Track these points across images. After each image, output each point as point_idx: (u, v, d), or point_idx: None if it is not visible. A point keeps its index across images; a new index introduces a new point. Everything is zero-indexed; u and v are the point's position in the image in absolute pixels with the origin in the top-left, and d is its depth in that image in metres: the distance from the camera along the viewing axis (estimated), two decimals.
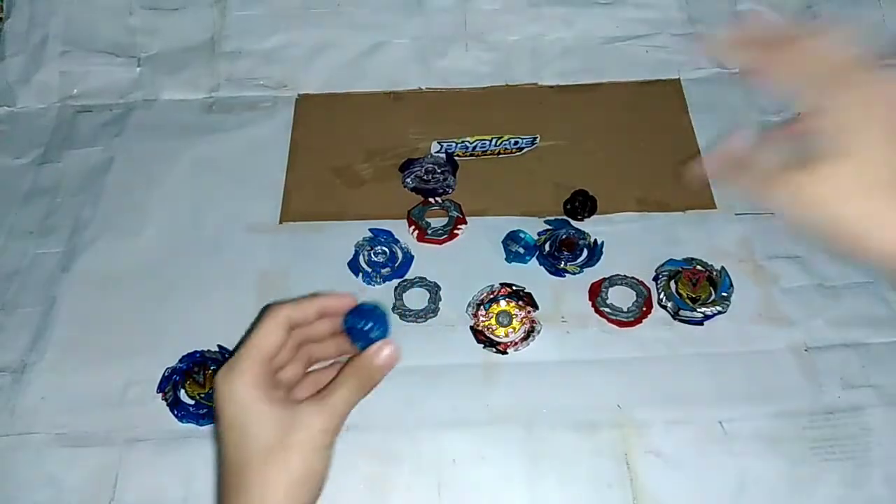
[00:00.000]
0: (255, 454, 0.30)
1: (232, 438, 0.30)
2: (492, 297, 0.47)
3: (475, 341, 0.45)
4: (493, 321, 0.46)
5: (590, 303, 0.47)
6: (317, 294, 0.34)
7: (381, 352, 0.33)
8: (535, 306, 0.46)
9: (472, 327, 0.46)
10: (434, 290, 0.48)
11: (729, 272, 0.47)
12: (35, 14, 0.61)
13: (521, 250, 0.48)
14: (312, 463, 0.30)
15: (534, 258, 0.49)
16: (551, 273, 0.48)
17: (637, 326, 0.46)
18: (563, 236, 0.49)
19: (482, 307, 0.46)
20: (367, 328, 0.33)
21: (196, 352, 0.45)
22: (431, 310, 0.47)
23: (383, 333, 0.34)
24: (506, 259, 0.49)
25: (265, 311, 0.32)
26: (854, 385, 0.43)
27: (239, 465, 0.30)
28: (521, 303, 0.46)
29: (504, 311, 0.46)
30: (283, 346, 0.32)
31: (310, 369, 0.36)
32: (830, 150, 0.27)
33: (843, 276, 0.47)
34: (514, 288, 0.47)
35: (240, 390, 0.30)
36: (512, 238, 0.49)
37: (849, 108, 0.27)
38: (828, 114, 0.27)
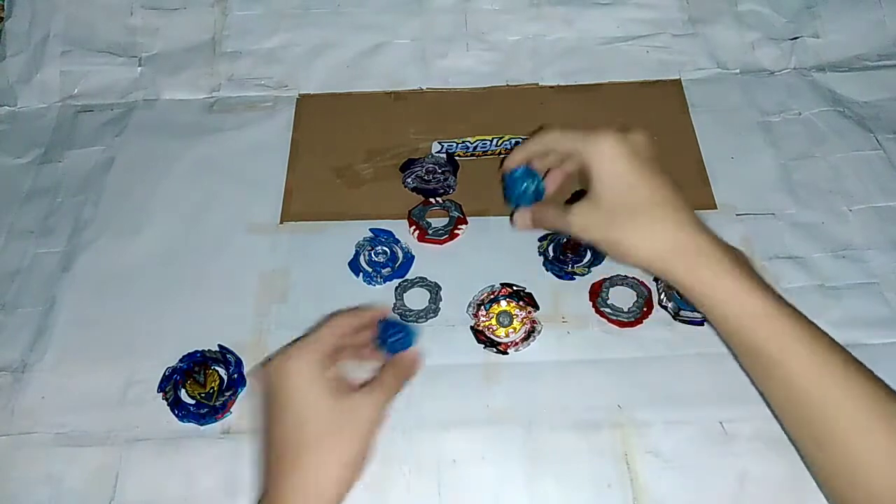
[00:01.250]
0: (312, 438, 0.33)
1: (289, 420, 0.33)
2: (492, 297, 0.47)
3: (475, 341, 0.45)
4: (493, 321, 0.46)
5: (590, 303, 0.47)
6: (364, 307, 0.40)
7: (409, 356, 0.39)
8: (536, 306, 0.46)
9: (472, 327, 0.46)
10: (434, 290, 0.48)
11: None
12: (36, 13, 0.61)
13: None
14: (362, 448, 0.34)
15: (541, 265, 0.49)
16: (560, 277, 0.48)
17: (637, 327, 0.46)
18: (565, 239, 0.49)
19: (482, 307, 0.46)
20: (397, 337, 0.39)
21: (196, 351, 0.45)
22: (432, 310, 0.47)
23: (409, 342, 0.40)
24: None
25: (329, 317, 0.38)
26: None
27: (295, 446, 0.33)
28: (521, 303, 0.46)
29: (504, 312, 0.46)
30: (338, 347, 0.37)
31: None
32: (586, 191, 0.38)
33: (844, 277, 0.47)
34: (514, 288, 0.47)
35: (302, 371, 0.33)
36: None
37: (591, 158, 0.37)
38: (577, 162, 0.38)
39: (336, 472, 0.33)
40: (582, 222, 0.38)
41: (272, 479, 0.33)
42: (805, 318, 0.35)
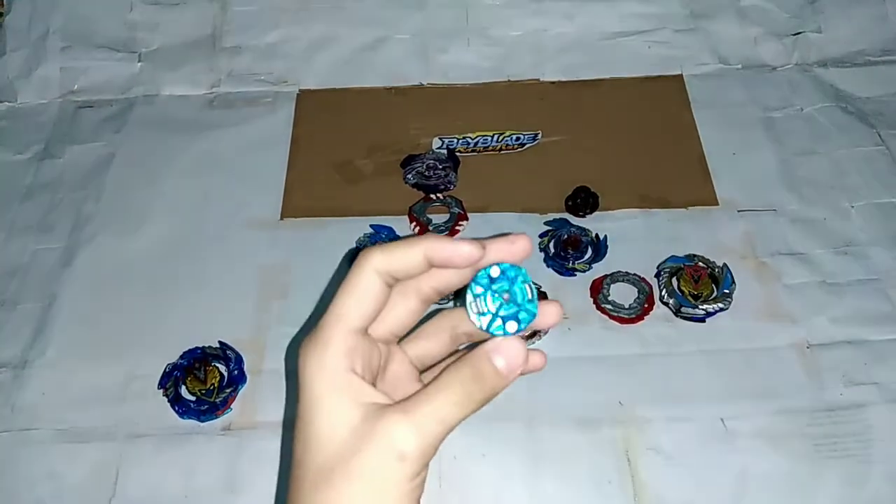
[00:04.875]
0: (315, 469, 0.22)
1: (299, 435, 0.23)
2: None
3: None
4: None
5: (591, 300, 0.46)
6: (467, 242, 0.23)
7: (503, 351, 0.22)
8: None
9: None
10: None
11: (731, 269, 0.47)
12: (36, 9, 0.61)
13: None
14: (382, 497, 0.21)
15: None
16: (561, 274, 0.48)
17: (639, 323, 0.45)
18: (566, 235, 0.49)
19: None
20: (497, 308, 0.22)
21: (197, 348, 0.45)
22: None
23: (524, 318, 0.23)
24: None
25: (357, 258, 0.23)
26: (856, 382, 0.43)
27: (300, 473, 0.22)
28: None
29: None
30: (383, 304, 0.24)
31: None
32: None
33: (846, 274, 0.47)
34: None
35: (325, 364, 0.22)
36: None
37: None
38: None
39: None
40: None
41: (293, 492, 0.24)
42: None
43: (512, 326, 0.23)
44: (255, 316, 0.47)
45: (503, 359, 0.22)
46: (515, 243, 0.23)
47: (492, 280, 0.23)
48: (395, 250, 0.23)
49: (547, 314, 0.24)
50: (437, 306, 0.30)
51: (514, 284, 0.23)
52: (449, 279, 0.24)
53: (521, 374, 0.23)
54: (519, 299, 0.23)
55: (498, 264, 0.23)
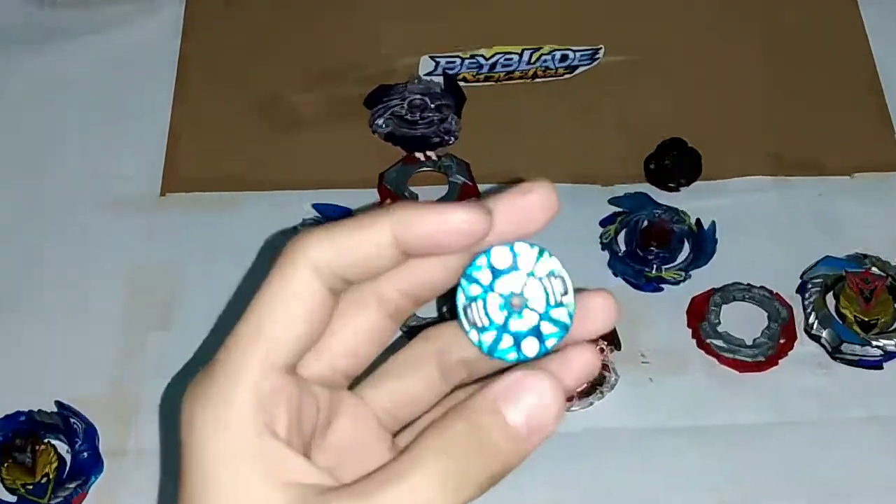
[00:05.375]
0: None
1: None
2: None
3: None
4: None
5: (689, 330, 0.46)
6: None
7: (522, 396, 0.22)
8: (617, 344, 0.45)
9: None
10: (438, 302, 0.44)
11: None
12: None
13: None
14: None
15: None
16: (638, 287, 0.48)
17: (770, 370, 0.45)
18: (646, 222, 0.47)
19: None
20: (505, 318, 0.23)
21: (20, 412, 0.44)
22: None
23: (549, 333, 0.23)
24: None
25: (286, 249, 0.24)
26: None
27: None
28: None
29: None
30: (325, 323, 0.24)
31: None
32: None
33: None
34: None
35: (222, 430, 0.23)
36: None
37: None
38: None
39: None
40: None
41: None
42: None
43: (531, 347, 0.23)
44: (118, 357, 0.46)
45: (520, 410, 0.22)
46: (529, 194, 0.23)
47: (495, 271, 0.23)
48: (344, 233, 0.23)
49: (592, 315, 0.24)
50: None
51: (529, 276, 0.23)
52: (432, 275, 0.24)
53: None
54: (539, 302, 0.23)
55: (507, 244, 0.23)
